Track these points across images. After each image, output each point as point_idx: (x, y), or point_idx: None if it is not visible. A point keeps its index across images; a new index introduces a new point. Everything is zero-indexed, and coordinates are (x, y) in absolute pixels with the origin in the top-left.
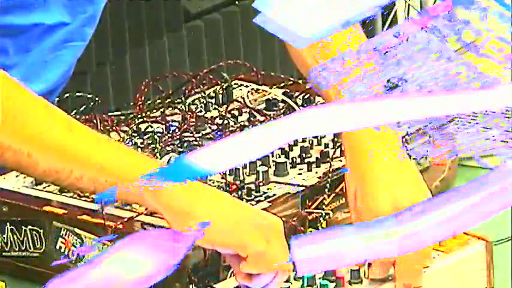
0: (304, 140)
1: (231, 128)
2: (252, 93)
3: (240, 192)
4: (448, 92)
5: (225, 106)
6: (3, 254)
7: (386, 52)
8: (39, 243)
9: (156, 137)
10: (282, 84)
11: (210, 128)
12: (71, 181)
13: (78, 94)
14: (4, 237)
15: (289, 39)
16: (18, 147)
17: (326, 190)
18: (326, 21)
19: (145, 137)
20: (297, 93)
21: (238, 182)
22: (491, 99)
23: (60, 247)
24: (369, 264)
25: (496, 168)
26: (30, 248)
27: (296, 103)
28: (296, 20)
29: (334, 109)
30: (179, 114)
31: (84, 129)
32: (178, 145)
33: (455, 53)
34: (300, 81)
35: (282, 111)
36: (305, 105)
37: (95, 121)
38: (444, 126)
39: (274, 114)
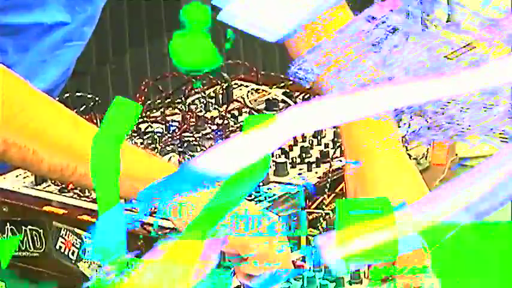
0: (304, 140)
1: (231, 128)
2: (252, 93)
3: None
4: (439, 74)
5: (225, 106)
6: None
7: (363, 38)
8: (39, 243)
9: (156, 137)
10: (282, 84)
11: (210, 128)
12: (76, 178)
13: (78, 94)
14: (4, 237)
15: (261, 34)
16: (23, 144)
17: (326, 190)
18: (292, 12)
19: (145, 137)
20: (297, 93)
21: None
22: (484, 77)
23: (60, 247)
24: (369, 265)
25: (507, 145)
26: (30, 248)
27: (296, 103)
28: (261, 14)
29: (326, 103)
30: (179, 114)
31: (89, 126)
32: (178, 145)
33: (435, 32)
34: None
35: (282, 111)
36: None
37: (95, 121)
38: (444, 109)
39: (274, 114)
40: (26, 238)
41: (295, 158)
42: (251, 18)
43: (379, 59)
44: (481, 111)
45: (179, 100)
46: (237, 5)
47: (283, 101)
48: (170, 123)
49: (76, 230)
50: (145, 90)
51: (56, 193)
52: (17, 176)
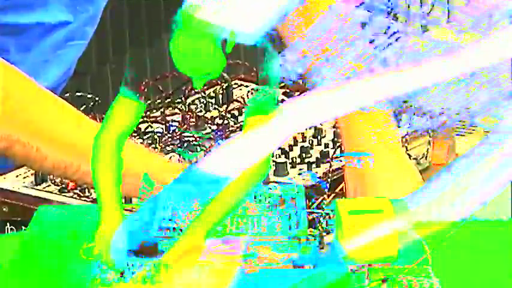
0: (304, 140)
1: (231, 128)
2: (252, 93)
3: None
4: (416, 63)
5: (225, 106)
6: None
7: (334, 36)
8: None
9: (156, 137)
10: (282, 84)
11: (210, 128)
12: (80, 175)
13: (78, 94)
14: None
15: (238, 39)
16: (27, 141)
17: (326, 190)
18: (262, 13)
19: (145, 137)
20: (297, 93)
21: None
22: (460, 64)
23: None
24: (369, 265)
25: (495, 128)
26: None
27: None
28: (233, 18)
29: (314, 99)
30: (179, 114)
31: (93, 124)
32: (178, 145)
33: (404, 25)
34: (300, 81)
35: None
36: None
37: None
38: (428, 97)
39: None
40: None
41: (295, 158)
42: (224, 23)
43: (355, 53)
44: (464, 96)
45: (179, 100)
46: (207, 12)
47: (283, 101)
48: (170, 123)
49: None
50: (145, 90)
51: (56, 193)
52: (17, 176)
